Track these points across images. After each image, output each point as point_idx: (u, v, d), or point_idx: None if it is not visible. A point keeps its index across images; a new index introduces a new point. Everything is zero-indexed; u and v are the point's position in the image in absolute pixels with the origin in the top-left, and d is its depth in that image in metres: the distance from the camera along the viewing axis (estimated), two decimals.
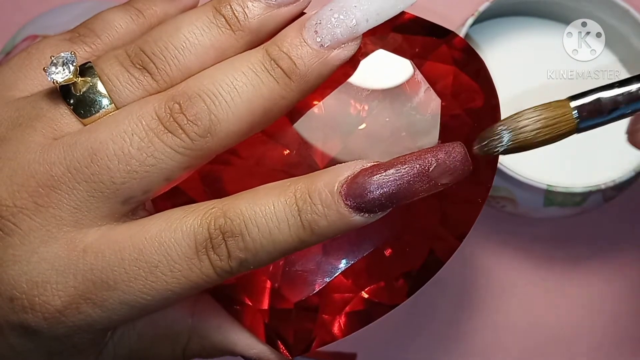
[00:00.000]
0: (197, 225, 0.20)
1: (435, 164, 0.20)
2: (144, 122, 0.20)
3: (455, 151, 0.20)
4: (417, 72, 0.24)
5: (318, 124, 0.24)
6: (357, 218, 0.20)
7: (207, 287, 0.21)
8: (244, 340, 0.25)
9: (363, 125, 0.24)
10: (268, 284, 0.24)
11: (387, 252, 0.24)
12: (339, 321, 0.25)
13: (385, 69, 0.24)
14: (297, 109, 0.23)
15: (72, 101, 0.21)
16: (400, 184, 0.20)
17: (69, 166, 0.20)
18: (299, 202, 0.20)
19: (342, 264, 0.24)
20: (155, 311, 0.21)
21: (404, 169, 0.20)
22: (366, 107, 0.24)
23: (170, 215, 0.21)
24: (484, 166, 0.24)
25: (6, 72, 0.23)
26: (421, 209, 0.24)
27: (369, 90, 0.24)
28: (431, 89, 0.24)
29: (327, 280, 0.24)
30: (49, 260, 0.20)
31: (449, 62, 0.24)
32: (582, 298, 0.43)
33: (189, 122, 0.20)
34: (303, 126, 0.24)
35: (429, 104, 0.24)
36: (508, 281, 0.43)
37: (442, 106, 0.24)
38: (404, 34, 0.24)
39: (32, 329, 0.20)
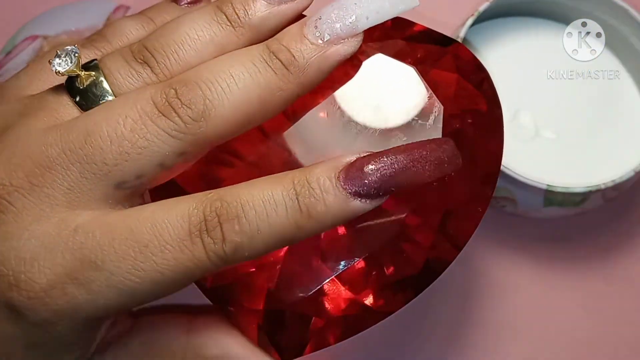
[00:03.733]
0: (193, 208, 0.21)
1: (428, 152, 0.21)
2: (138, 106, 0.21)
3: (447, 144, 0.22)
4: (421, 79, 0.24)
5: (318, 126, 0.24)
6: (356, 203, 0.21)
7: (199, 275, 0.21)
8: (242, 357, 0.25)
9: (365, 129, 0.24)
10: (263, 287, 0.24)
11: (384, 258, 0.24)
12: (333, 327, 0.25)
13: (389, 76, 0.24)
14: (297, 110, 0.23)
15: (75, 93, 0.22)
16: (397, 168, 0.21)
17: (64, 147, 0.21)
18: (297, 187, 0.21)
19: (338, 269, 0.24)
20: (145, 302, 0.21)
21: (401, 155, 0.21)
22: None
23: (166, 201, 0.21)
24: (485, 174, 0.24)
25: (22, 75, 0.24)
26: (419, 216, 0.24)
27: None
28: (434, 96, 0.24)
29: (323, 284, 0.24)
30: (39, 237, 0.20)
31: (453, 70, 0.24)
32: (582, 298, 0.43)
33: (183, 105, 0.21)
34: (303, 128, 0.24)
35: (431, 112, 0.24)
36: (508, 281, 0.43)
37: (444, 115, 0.24)
38: (409, 42, 0.24)
39: (15, 308, 0.20)
